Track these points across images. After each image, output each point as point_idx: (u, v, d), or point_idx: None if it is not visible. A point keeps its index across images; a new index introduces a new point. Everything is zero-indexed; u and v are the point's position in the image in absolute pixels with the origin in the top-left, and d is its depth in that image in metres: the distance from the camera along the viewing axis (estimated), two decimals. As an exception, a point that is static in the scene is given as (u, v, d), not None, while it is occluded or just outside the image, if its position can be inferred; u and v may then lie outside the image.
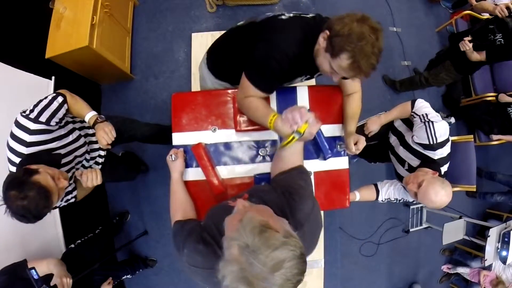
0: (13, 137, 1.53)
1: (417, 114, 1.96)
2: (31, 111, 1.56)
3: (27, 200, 1.39)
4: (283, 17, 1.52)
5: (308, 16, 1.55)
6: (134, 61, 3.37)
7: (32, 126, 1.53)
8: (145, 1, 3.49)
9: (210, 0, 3.37)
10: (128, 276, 2.96)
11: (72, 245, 2.39)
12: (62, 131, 1.71)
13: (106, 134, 1.74)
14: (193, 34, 3.25)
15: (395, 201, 2.12)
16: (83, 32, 2.50)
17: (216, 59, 1.90)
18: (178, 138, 1.75)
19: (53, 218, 2.36)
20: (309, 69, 1.65)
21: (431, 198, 1.73)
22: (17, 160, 1.53)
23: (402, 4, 4.24)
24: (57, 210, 2.34)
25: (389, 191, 2.10)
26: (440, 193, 1.72)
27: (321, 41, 1.39)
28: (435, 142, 1.85)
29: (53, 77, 2.36)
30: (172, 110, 1.76)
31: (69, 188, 1.82)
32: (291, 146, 1.38)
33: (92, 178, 1.76)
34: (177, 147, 1.73)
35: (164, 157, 1.67)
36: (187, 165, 1.72)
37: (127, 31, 3.25)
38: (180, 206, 1.55)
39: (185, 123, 1.75)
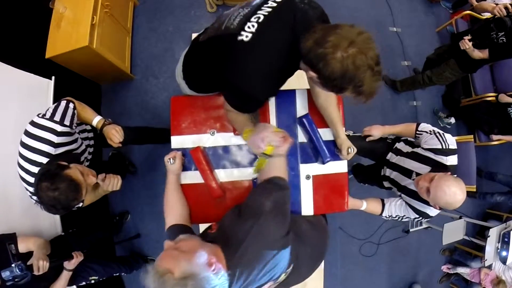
0: (38, 138, 1.62)
1: (423, 131, 1.98)
2: (52, 115, 1.67)
3: (58, 191, 1.51)
4: (244, 38, 1.21)
5: (283, 19, 1.24)
6: (134, 61, 3.37)
7: (59, 128, 1.65)
8: (145, 1, 3.48)
9: (210, 0, 3.37)
10: (123, 274, 2.95)
11: (62, 233, 2.40)
12: (76, 135, 1.85)
13: (117, 133, 1.91)
14: (193, 34, 3.21)
15: (397, 218, 2.09)
16: (83, 32, 2.49)
17: (190, 75, 1.70)
18: (177, 141, 1.76)
19: (53, 219, 2.37)
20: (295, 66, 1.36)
21: (444, 191, 1.63)
22: (43, 160, 1.62)
23: (402, 4, 4.22)
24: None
25: (391, 208, 2.08)
26: (453, 187, 1.64)
27: (311, 76, 1.19)
28: (447, 147, 1.84)
29: (53, 77, 2.36)
30: (171, 113, 1.77)
31: None
32: (263, 167, 1.38)
33: (113, 183, 1.91)
34: (176, 150, 1.73)
35: (163, 158, 1.67)
36: (186, 168, 1.73)
37: (127, 31, 3.25)
38: (172, 208, 1.59)
39: (183, 126, 1.76)
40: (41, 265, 1.85)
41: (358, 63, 1.04)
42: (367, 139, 2.10)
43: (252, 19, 1.24)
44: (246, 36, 1.21)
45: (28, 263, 1.84)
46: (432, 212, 1.93)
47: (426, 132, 1.97)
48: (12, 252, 1.81)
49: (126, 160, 3.19)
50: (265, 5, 1.27)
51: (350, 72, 1.05)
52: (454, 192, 1.64)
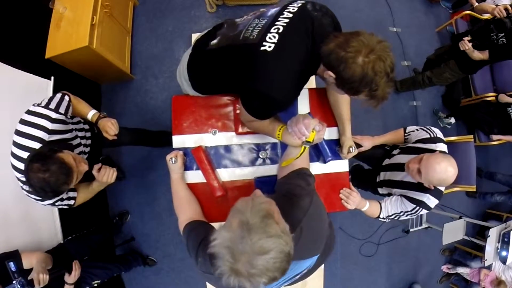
0: (32, 125, 1.60)
1: (410, 131, 2.06)
2: (48, 103, 1.67)
3: (48, 173, 1.47)
4: (267, 48, 1.26)
5: (301, 28, 1.31)
6: (134, 61, 3.36)
7: (54, 115, 1.64)
8: (145, 1, 3.48)
9: (210, 0, 3.37)
10: (122, 273, 2.93)
11: (61, 241, 2.40)
12: (71, 126, 1.84)
13: (113, 125, 1.94)
14: (193, 34, 3.22)
15: (394, 216, 2.08)
16: (83, 32, 2.49)
17: (198, 79, 1.67)
18: (178, 141, 1.75)
19: (53, 225, 2.36)
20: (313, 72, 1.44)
21: (434, 168, 1.65)
22: (36, 145, 1.59)
23: (402, 4, 4.23)
24: (56, 211, 2.35)
25: (387, 206, 2.07)
26: (442, 162, 1.65)
27: (327, 76, 1.26)
28: (435, 135, 1.90)
29: (52, 77, 2.35)
30: (172, 112, 1.76)
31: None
32: (304, 155, 1.42)
33: (108, 174, 1.88)
34: (177, 149, 1.72)
35: (164, 158, 1.67)
36: (188, 168, 1.73)
37: (127, 31, 3.25)
38: (185, 205, 1.58)
39: (185, 126, 1.75)
40: (41, 279, 1.84)
41: (377, 69, 1.13)
42: (358, 150, 2.10)
43: (272, 30, 1.30)
44: (269, 47, 1.26)
45: (29, 278, 1.83)
46: (430, 201, 1.86)
47: (413, 130, 2.05)
48: (12, 269, 1.80)
49: (115, 166, 3.17)
50: (281, 16, 1.34)
51: (369, 77, 1.14)
52: (445, 167, 1.66)
